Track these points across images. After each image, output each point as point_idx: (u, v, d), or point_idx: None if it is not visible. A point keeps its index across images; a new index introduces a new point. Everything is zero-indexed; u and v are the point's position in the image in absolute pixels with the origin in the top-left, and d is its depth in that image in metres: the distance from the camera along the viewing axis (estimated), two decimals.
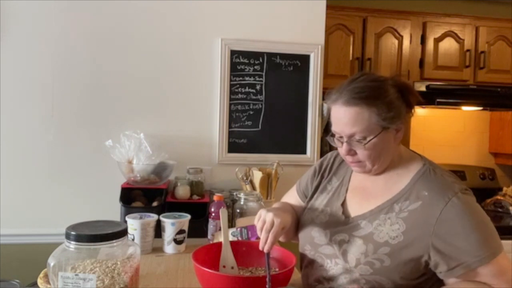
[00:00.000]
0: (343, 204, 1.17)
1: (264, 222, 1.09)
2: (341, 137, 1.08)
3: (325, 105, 2.17)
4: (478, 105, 2.71)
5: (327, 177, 1.28)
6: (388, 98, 1.05)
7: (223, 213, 1.27)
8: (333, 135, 1.11)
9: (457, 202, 1.00)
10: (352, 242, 1.08)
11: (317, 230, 1.17)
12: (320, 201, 1.24)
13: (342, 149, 1.09)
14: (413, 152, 1.18)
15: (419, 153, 1.18)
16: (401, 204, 1.06)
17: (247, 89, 2.11)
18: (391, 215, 1.06)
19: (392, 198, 1.08)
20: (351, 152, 1.08)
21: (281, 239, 1.27)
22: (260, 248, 1.09)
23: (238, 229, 1.35)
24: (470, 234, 0.98)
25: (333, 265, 1.11)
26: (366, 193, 1.15)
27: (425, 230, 1.01)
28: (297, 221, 1.27)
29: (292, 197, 1.38)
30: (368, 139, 1.04)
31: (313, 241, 1.17)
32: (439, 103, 2.53)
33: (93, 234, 1.00)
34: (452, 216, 0.99)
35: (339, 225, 1.13)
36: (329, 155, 1.34)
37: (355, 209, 1.14)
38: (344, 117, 1.05)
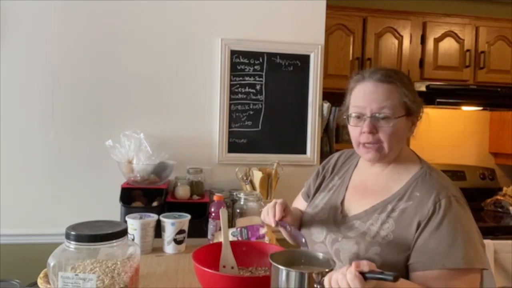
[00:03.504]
0: (342, 202, 1.18)
1: (267, 207, 1.16)
2: (362, 115, 1.08)
3: (325, 105, 2.17)
4: (478, 105, 2.71)
5: (329, 176, 1.30)
6: (414, 87, 1.11)
7: (223, 213, 1.27)
8: (349, 115, 1.11)
9: (444, 205, 1.01)
10: (345, 242, 1.09)
11: (315, 228, 1.19)
12: (320, 199, 1.25)
13: (363, 126, 1.07)
14: (413, 152, 1.19)
15: (417, 154, 1.18)
16: (394, 204, 1.07)
17: (247, 89, 2.11)
18: (383, 215, 1.07)
19: (387, 199, 1.09)
20: (373, 130, 1.07)
21: (288, 239, 1.28)
22: (271, 221, 1.12)
23: (238, 229, 1.35)
24: (444, 238, 0.98)
25: None
26: (366, 191, 1.16)
27: (413, 228, 1.02)
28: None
29: (299, 202, 1.41)
30: (395, 116, 1.06)
31: (311, 238, 1.19)
32: (439, 103, 2.53)
33: (93, 234, 1.00)
34: (435, 217, 1.00)
35: (335, 224, 1.15)
36: (333, 156, 1.36)
37: (352, 208, 1.15)
38: (376, 92, 1.07)
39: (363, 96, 1.09)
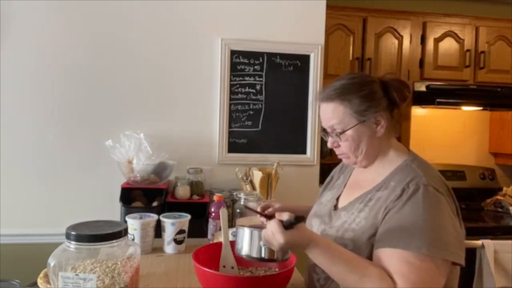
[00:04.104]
0: (338, 198, 1.25)
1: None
2: (327, 132, 1.19)
3: None
4: (478, 105, 2.71)
5: (337, 176, 1.38)
6: (363, 93, 1.12)
7: (223, 213, 1.27)
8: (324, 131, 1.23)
9: (411, 191, 1.03)
10: (329, 230, 1.16)
11: (314, 221, 1.27)
12: (325, 197, 1.33)
13: (328, 143, 1.20)
14: (406, 148, 1.21)
15: (410, 150, 1.20)
16: (372, 194, 1.12)
17: (247, 89, 2.11)
18: (361, 204, 1.12)
19: (368, 191, 1.14)
20: (335, 144, 1.18)
21: None
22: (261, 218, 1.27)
23: None
24: (403, 220, 1.00)
25: None
26: (356, 185, 1.21)
27: (381, 213, 1.05)
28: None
29: None
30: (344, 130, 1.13)
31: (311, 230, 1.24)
32: (439, 103, 2.53)
33: (93, 234, 1.00)
34: (399, 200, 1.03)
35: (329, 217, 1.21)
36: None
37: (343, 201, 1.22)
38: (325, 113, 1.18)
39: (321, 118, 1.21)
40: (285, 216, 0.97)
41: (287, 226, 0.96)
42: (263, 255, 1.02)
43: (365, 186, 1.16)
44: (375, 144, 1.15)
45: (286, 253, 1.06)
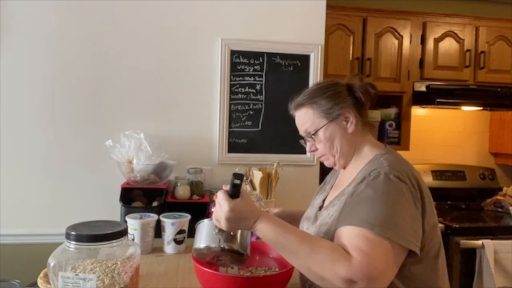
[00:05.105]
0: (325, 199, 1.27)
1: None
2: (304, 138, 1.25)
3: None
4: (478, 105, 2.71)
5: (329, 179, 1.39)
6: (328, 94, 1.19)
7: None
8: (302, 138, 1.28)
9: (372, 177, 1.05)
10: (311, 230, 1.19)
11: (304, 223, 1.29)
12: (316, 200, 1.34)
13: (307, 148, 1.25)
14: (383, 145, 1.23)
15: (386, 146, 1.21)
16: (344, 190, 1.15)
17: (247, 89, 2.11)
18: (337, 200, 1.15)
19: (345, 188, 1.16)
20: (313, 148, 1.23)
21: None
22: None
23: None
24: (359, 201, 1.02)
25: None
26: (338, 186, 1.24)
27: (345, 200, 1.09)
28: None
29: None
30: (316, 130, 1.19)
31: None
32: (439, 103, 2.53)
33: (93, 234, 1.00)
34: (360, 185, 1.05)
35: (314, 217, 1.23)
36: None
37: (327, 202, 1.24)
38: (298, 119, 1.26)
39: (296, 125, 1.27)
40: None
41: (232, 194, 1.00)
42: (220, 244, 1.02)
43: (343, 185, 1.19)
44: (348, 140, 1.19)
45: (246, 246, 1.05)
